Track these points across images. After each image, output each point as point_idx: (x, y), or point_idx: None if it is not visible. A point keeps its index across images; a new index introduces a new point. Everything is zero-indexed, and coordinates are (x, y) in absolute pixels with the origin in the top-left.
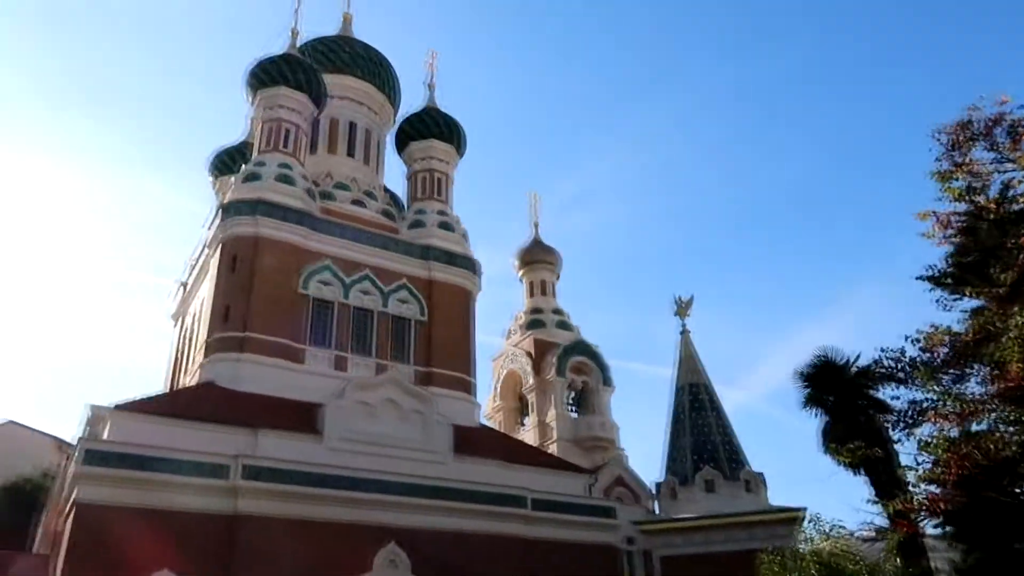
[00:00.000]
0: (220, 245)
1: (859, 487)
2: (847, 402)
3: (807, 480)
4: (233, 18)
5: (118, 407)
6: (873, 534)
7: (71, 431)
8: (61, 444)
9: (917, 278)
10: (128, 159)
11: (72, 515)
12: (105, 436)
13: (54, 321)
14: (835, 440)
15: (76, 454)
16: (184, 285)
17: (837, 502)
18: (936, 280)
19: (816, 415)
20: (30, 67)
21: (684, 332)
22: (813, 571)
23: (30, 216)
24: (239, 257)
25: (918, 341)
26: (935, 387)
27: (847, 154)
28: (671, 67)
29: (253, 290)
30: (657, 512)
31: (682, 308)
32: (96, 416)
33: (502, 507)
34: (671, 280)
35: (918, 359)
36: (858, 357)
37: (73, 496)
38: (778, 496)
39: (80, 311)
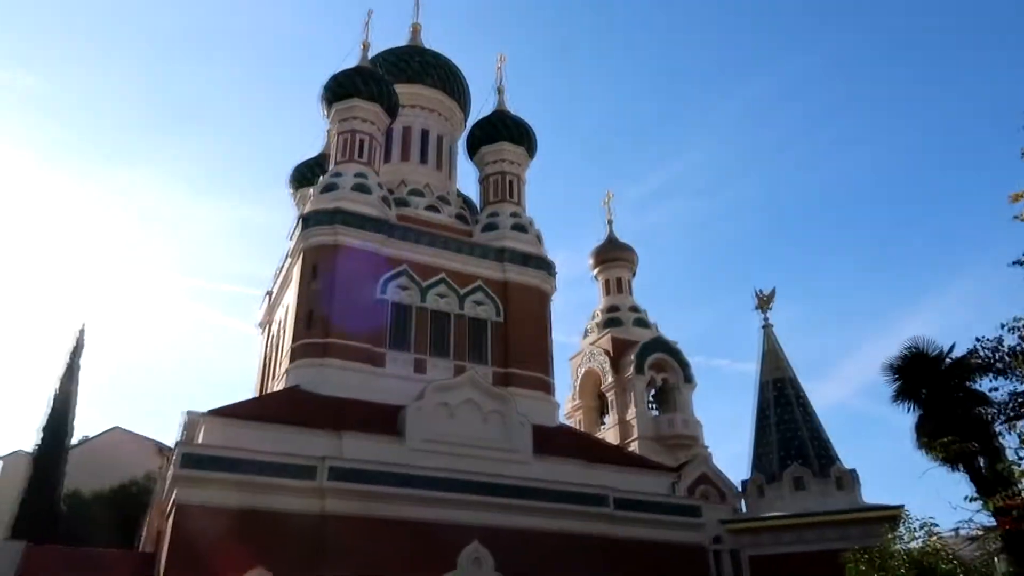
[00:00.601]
0: (301, 254)
1: (960, 484)
2: (942, 395)
3: (907, 478)
4: (308, 38)
5: (211, 412)
6: (980, 532)
7: (172, 436)
8: (162, 448)
9: (1013, 263)
10: (224, 179)
11: (172, 515)
12: (200, 440)
13: (157, 332)
14: (928, 435)
15: (174, 457)
16: (270, 295)
17: (938, 499)
18: None
19: (909, 409)
20: (123, 91)
21: (766, 326)
22: (903, 570)
23: (135, 231)
24: (320, 265)
25: (1017, 329)
26: None
27: (939, 136)
28: (747, 56)
29: (334, 297)
30: (744, 511)
31: (763, 301)
32: (192, 421)
33: (585, 506)
34: (755, 273)
35: (1018, 348)
36: (952, 348)
37: (173, 497)
38: (874, 494)
39: (181, 322)
